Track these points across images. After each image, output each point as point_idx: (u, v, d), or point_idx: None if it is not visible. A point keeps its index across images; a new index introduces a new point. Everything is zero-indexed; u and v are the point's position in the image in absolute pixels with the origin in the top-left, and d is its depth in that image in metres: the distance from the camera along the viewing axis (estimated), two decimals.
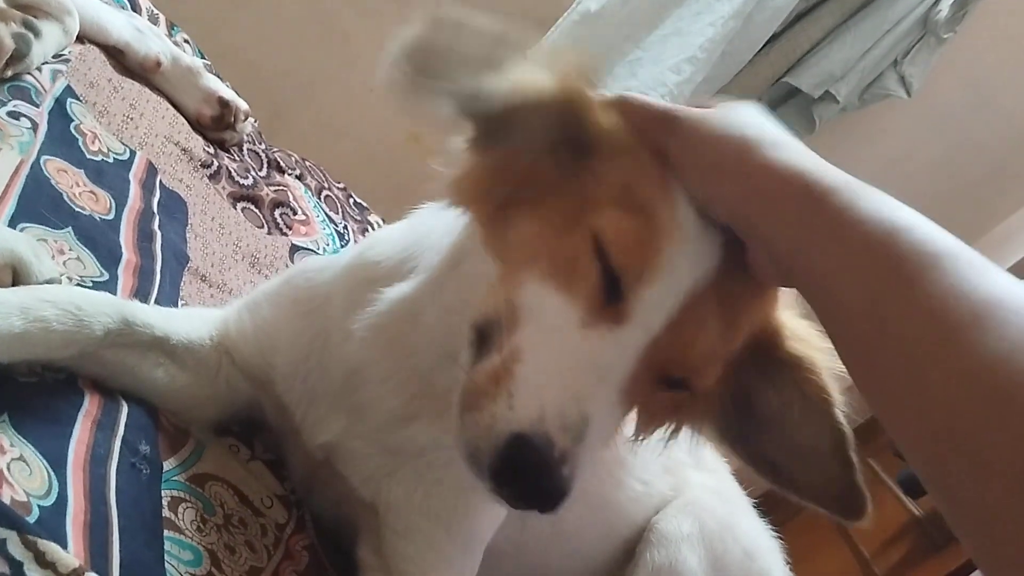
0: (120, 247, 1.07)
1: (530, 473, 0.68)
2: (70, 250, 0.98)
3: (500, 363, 0.72)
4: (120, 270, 1.03)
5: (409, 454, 0.96)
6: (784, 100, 2.96)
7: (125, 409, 0.88)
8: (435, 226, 0.94)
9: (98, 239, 1.04)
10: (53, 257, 0.94)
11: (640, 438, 0.88)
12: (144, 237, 1.14)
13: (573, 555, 1.19)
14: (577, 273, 0.74)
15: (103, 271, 1.00)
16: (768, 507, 1.32)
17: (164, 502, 0.84)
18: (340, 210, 1.85)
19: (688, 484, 1.24)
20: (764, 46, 2.78)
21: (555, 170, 0.78)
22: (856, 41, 2.80)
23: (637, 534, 1.18)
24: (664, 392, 0.77)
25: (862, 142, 3.05)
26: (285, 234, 1.55)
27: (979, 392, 0.51)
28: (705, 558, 1.14)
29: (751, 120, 0.73)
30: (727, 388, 0.83)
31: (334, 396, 0.97)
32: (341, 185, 1.98)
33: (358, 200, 2.00)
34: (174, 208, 1.29)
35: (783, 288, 0.78)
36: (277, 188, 1.65)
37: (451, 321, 0.83)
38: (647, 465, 1.20)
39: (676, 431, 0.87)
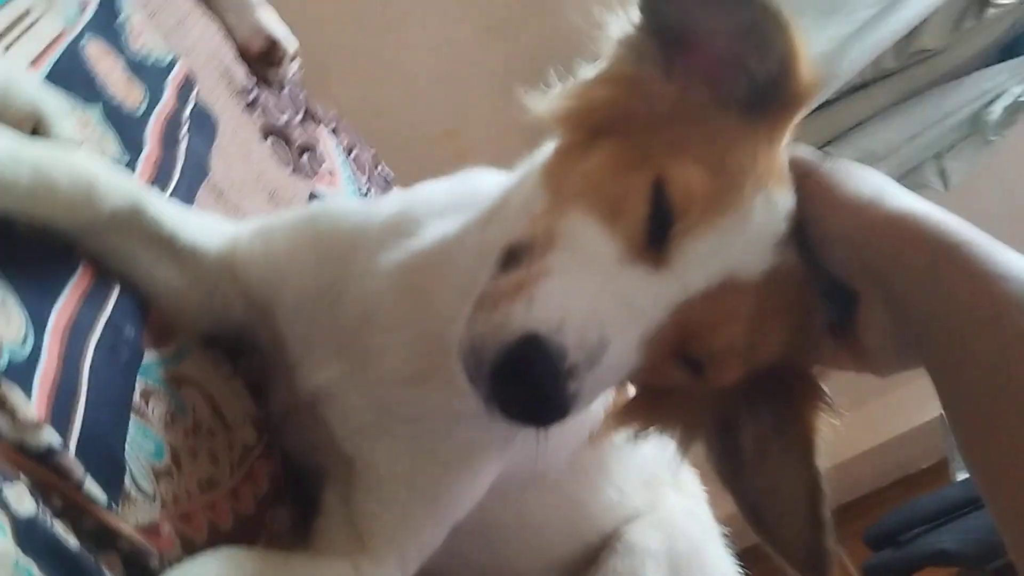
0: (144, 140, 1.04)
1: (535, 376, 0.64)
2: (96, 125, 0.95)
3: (526, 274, 0.69)
4: (141, 158, 1.00)
5: (405, 418, 0.92)
6: None
7: (116, 291, 0.85)
8: (485, 187, 0.91)
9: (124, 127, 1.01)
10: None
11: (630, 434, 0.85)
12: (170, 138, 1.11)
13: (534, 549, 1.15)
14: (626, 209, 0.71)
15: (125, 153, 0.98)
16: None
17: (137, 389, 0.80)
18: (367, 173, 1.82)
19: (665, 503, 1.20)
20: (812, 112, 2.77)
21: (669, 114, 0.74)
22: (904, 125, 2.80)
23: (603, 542, 1.14)
24: (676, 370, 0.74)
25: None
26: (309, 178, 1.53)
27: None
28: None
29: (880, 177, 0.72)
30: (718, 412, 0.81)
31: (339, 342, 0.93)
32: (373, 151, 1.96)
33: (386, 171, 1.97)
34: (204, 123, 1.26)
35: (884, 363, 0.74)
36: (309, 135, 1.63)
37: (486, 264, 0.78)
38: (627, 475, 1.17)
39: (663, 432, 0.84)
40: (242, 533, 0.85)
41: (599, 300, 0.67)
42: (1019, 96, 2.80)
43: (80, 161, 0.81)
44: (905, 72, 2.81)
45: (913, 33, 2.73)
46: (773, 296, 0.72)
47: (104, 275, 0.85)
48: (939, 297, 0.62)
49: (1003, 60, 2.83)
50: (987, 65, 2.83)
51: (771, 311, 0.73)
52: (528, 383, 0.64)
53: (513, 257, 0.73)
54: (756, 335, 0.73)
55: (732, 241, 0.70)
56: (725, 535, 1.25)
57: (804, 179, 0.73)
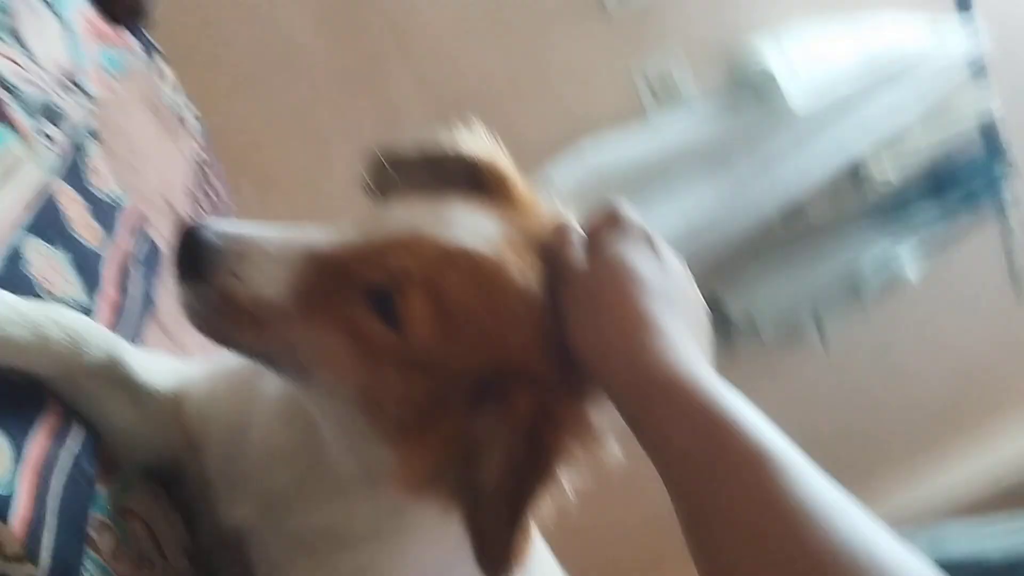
0: (101, 281, 1.11)
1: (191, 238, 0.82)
2: (63, 269, 1.03)
3: None
4: (99, 299, 1.08)
5: (309, 544, 0.98)
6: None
7: (78, 426, 0.92)
8: None
9: (86, 267, 1.09)
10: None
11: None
12: (123, 274, 1.18)
13: None
14: None
15: (85, 293, 1.05)
16: None
17: (90, 522, 0.87)
18: None
19: None
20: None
21: None
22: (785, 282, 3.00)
23: None
24: (368, 319, 0.82)
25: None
26: None
27: None
28: None
29: (632, 260, 0.82)
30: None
31: (248, 481, 0.99)
32: None
33: None
34: (152, 258, 1.34)
35: None
36: None
37: None
38: None
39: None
40: None
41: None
42: (892, 260, 3.04)
43: (67, 316, 0.89)
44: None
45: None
46: (475, 272, 0.81)
47: (66, 411, 0.92)
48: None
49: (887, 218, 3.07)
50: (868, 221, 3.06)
51: (468, 280, 0.80)
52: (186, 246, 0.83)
53: None
54: (443, 281, 0.80)
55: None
56: None
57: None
